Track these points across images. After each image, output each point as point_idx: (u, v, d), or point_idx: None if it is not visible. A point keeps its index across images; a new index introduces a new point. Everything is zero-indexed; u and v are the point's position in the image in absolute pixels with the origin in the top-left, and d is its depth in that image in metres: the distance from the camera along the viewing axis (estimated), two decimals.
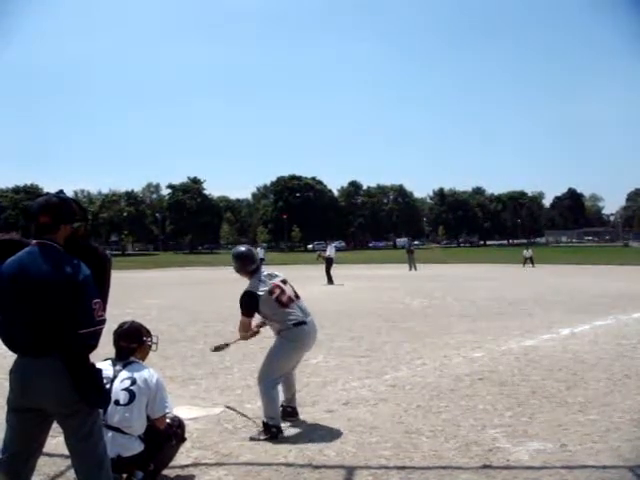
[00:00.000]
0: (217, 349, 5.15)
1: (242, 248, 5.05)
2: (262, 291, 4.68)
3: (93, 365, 2.77)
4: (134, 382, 3.58)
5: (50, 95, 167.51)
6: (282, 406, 4.87)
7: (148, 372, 3.67)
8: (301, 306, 4.82)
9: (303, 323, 4.71)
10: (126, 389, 3.56)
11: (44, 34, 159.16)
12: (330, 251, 22.98)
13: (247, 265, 4.84)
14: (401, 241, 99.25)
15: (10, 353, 2.78)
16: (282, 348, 4.69)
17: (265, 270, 4.95)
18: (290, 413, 4.90)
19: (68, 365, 2.63)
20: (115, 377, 3.60)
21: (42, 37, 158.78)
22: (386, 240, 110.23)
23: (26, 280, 2.64)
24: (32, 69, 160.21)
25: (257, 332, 4.98)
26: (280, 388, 4.80)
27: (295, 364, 4.96)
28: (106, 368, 3.62)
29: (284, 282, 4.86)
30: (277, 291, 4.72)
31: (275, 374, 4.66)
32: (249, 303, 4.69)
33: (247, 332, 4.85)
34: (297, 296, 4.87)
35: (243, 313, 4.75)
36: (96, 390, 2.74)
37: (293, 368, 4.95)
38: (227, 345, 5.15)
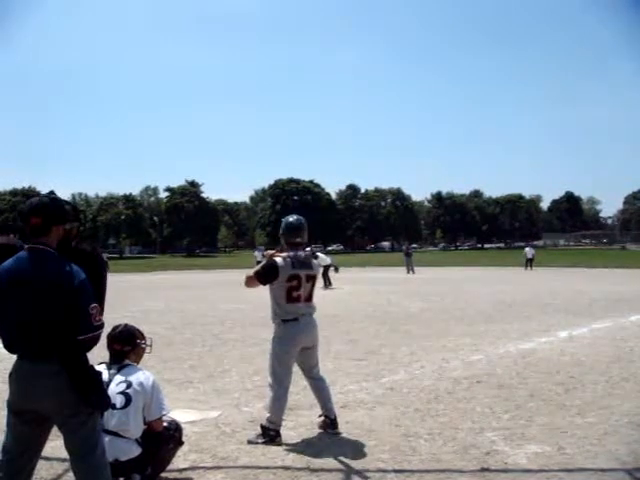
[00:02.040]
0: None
1: (291, 218, 4.84)
2: (284, 272, 4.49)
3: (92, 367, 2.77)
4: (130, 385, 3.57)
5: (48, 98, 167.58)
6: (321, 415, 4.77)
7: (143, 374, 3.66)
8: (303, 307, 4.62)
9: (294, 320, 4.55)
10: (122, 392, 3.54)
11: (43, 38, 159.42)
12: (323, 259, 23.02)
13: (290, 237, 4.71)
14: (386, 245, 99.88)
15: (9, 356, 2.77)
16: (275, 345, 4.58)
17: (308, 257, 4.72)
18: (329, 424, 4.72)
19: (68, 368, 2.63)
20: (110, 381, 3.58)
21: (41, 41, 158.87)
22: (376, 243, 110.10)
23: (19, 286, 2.63)
24: (30, 72, 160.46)
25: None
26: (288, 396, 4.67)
27: (304, 362, 4.74)
28: (101, 372, 3.61)
29: (309, 278, 4.64)
30: (294, 282, 4.53)
31: (282, 373, 4.55)
32: (268, 272, 4.51)
33: (247, 286, 4.68)
34: (308, 299, 4.67)
35: (257, 276, 4.56)
36: (97, 393, 2.74)
37: (311, 369, 4.78)
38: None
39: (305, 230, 4.80)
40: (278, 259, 4.56)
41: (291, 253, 4.61)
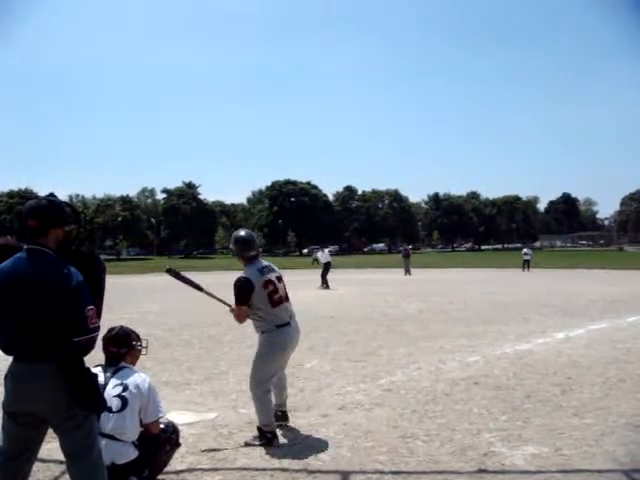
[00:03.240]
0: (173, 273, 4.71)
1: (243, 231, 4.93)
2: (257, 281, 4.56)
3: (88, 369, 2.76)
4: (126, 388, 3.56)
5: (45, 99, 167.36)
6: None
7: (139, 377, 3.65)
8: (288, 308, 4.74)
9: (287, 325, 4.63)
10: (118, 395, 3.53)
11: (40, 38, 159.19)
12: (324, 256, 22.95)
13: (247, 250, 4.74)
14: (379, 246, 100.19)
15: (4, 357, 2.76)
16: (266, 352, 4.61)
17: (264, 262, 4.84)
18: (280, 417, 4.84)
19: (64, 370, 2.62)
20: (106, 384, 3.57)
21: (38, 42, 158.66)
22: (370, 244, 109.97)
23: (17, 286, 2.62)
24: (28, 74, 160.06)
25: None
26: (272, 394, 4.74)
27: (283, 365, 4.86)
28: (97, 374, 3.60)
29: (279, 279, 4.75)
30: (271, 287, 4.61)
31: (265, 378, 4.59)
32: (244, 289, 4.54)
33: (243, 321, 4.70)
34: (287, 298, 4.78)
35: (238, 301, 4.58)
36: (92, 395, 2.73)
37: (282, 370, 4.88)
38: (195, 286, 4.75)
39: (256, 242, 4.88)
40: (243, 275, 4.62)
41: (252, 265, 4.69)
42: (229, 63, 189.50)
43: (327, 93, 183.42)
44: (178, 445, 3.89)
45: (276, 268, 4.87)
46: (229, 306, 4.70)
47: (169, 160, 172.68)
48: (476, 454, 4.18)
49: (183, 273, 4.82)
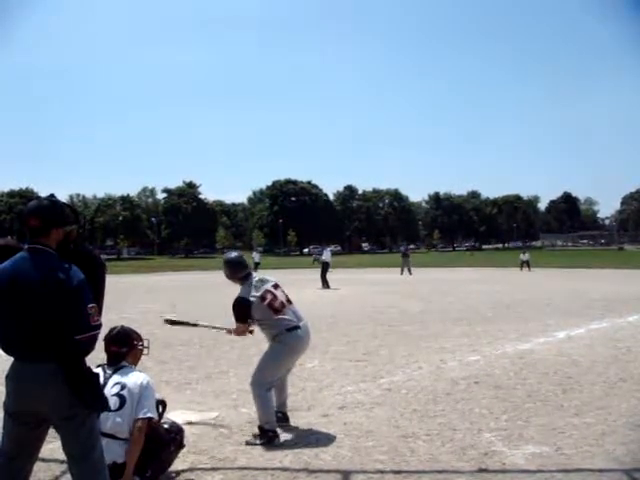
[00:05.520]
0: (170, 322, 5.24)
1: (233, 254, 5.05)
2: (254, 297, 4.66)
3: (89, 369, 2.76)
4: (124, 387, 3.56)
5: (46, 99, 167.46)
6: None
7: (138, 376, 3.65)
8: (294, 310, 4.80)
9: (297, 328, 4.69)
10: (116, 394, 3.53)
11: (40, 38, 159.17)
12: (326, 255, 22.95)
13: (238, 272, 4.84)
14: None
15: (5, 357, 2.77)
16: (276, 352, 4.67)
17: (257, 275, 4.96)
18: (281, 418, 4.85)
19: (65, 370, 2.62)
20: (106, 383, 3.57)
21: (37, 42, 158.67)
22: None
23: (18, 286, 2.62)
24: (28, 74, 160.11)
25: (251, 331, 4.90)
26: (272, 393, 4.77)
27: (290, 368, 4.97)
28: (98, 373, 3.60)
29: (276, 287, 4.83)
30: (269, 297, 4.70)
31: (269, 378, 4.64)
32: (241, 309, 4.69)
33: (243, 335, 4.86)
34: (289, 301, 4.85)
35: (238, 320, 4.75)
36: (93, 394, 2.73)
37: (287, 372, 4.95)
38: (192, 325, 5.19)
39: (246, 262, 4.98)
40: (239, 295, 4.74)
41: (245, 284, 4.80)
42: (229, 62, 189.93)
43: (327, 93, 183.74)
44: (182, 446, 3.87)
45: (270, 278, 4.97)
46: (226, 329, 4.93)
47: (170, 160, 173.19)
48: (477, 453, 4.18)
49: (174, 317, 5.19)
